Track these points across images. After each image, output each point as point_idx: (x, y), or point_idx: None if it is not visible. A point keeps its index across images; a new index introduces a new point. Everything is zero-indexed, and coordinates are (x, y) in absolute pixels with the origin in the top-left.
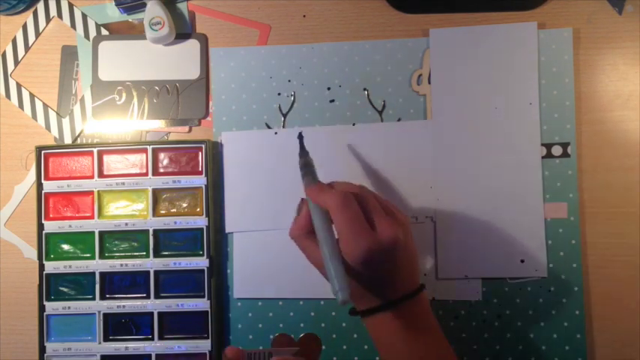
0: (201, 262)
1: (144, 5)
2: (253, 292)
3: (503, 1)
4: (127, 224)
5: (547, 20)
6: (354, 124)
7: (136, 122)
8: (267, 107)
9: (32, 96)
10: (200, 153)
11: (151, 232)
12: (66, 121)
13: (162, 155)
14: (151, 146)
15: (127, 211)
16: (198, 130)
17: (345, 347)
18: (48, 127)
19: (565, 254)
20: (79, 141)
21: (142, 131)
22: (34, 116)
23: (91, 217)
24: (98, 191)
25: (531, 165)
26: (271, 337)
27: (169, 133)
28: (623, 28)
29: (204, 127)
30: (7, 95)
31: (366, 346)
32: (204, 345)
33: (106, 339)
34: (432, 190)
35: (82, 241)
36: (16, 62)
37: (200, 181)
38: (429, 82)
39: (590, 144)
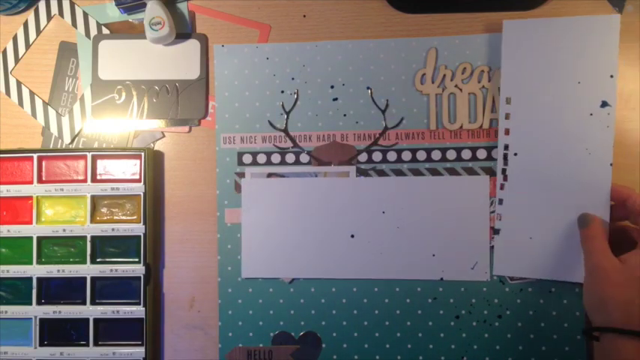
0: (137, 269)
1: (144, 5)
2: (260, 272)
3: (504, 0)
4: (64, 230)
5: None
6: (356, 122)
7: (136, 122)
8: (270, 105)
9: (32, 94)
10: (139, 160)
11: (88, 239)
12: (65, 120)
13: (101, 162)
14: (90, 153)
15: (65, 217)
16: (198, 130)
17: (345, 346)
18: (47, 125)
19: None
20: (77, 140)
21: (129, 133)
22: (34, 114)
23: (30, 223)
24: (37, 197)
25: (601, 170)
26: (272, 335)
27: (162, 135)
28: (623, 28)
29: (204, 127)
30: (8, 93)
31: (366, 345)
32: (138, 352)
33: (41, 344)
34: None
35: (19, 245)
36: (17, 60)
37: (139, 188)
38: (434, 81)
39: None
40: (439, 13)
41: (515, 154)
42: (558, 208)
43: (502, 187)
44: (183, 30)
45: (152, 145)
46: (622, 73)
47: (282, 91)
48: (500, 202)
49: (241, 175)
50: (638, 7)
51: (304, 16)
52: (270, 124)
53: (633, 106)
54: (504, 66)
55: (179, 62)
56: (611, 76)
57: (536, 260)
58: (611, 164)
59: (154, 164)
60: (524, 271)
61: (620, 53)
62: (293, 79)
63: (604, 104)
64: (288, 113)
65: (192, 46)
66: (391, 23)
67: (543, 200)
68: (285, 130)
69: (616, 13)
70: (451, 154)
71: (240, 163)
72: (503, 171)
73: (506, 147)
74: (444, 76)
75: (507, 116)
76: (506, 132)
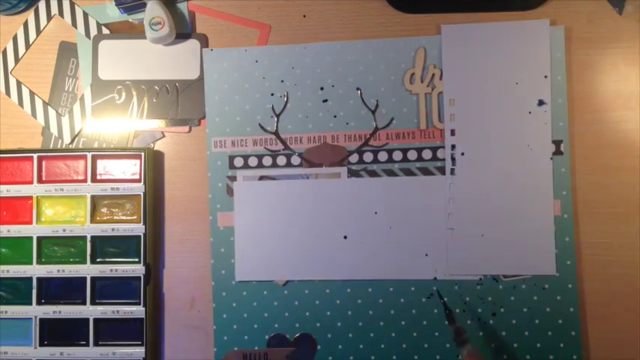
0: (137, 269)
1: (144, 5)
2: (253, 275)
3: (504, 1)
4: (64, 230)
5: None
6: (347, 123)
7: (136, 122)
8: (260, 108)
9: (32, 94)
10: (139, 160)
11: (88, 239)
12: (65, 120)
13: (101, 162)
14: (90, 153)
15: (65, 217)
16: (198, 130)
17: (340, 347)
18: (47, 125)
19: (559, 251)
20: (77, 140)
21: (129, 133)
22: (34, 114)
23: (30, 223)
24: (37, 197)
25: (542, 164)
26: (267, 337)
27: (162, 135)
28: (623, 28)
29: (204, 127)
30: (7, 93)
31: (361, 346)
32: (138, 352)
33: (41, 344)
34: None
35: (20, 246)
36: (17, 60)
37: (139, 188)
38: (423, 80)
39: (590, 144)
40: (439, 13)
41: (463, 154)
42: (505, 204)
43: (451, 186)
44: (183, 30)
45: (152, 145)
46: (622, 74)
47: (272, 94)
48: (451, 201)
49: (233, 178)
50: (638, 7)
51: (304, 16)
52: (261, 126)
53: (633, 106)
54: (446, 69)
55: (179, 62)
56: (545, 77)
57: (488, 257)
58: (551, 158)
59: (154, 164)
60: (477, 268)
61: (620, 53)
62: (282, 81)
63: (541, 103)
64: (278, 116)
65: (192, 46)
66: (391, 23)
67: (491, 197)
68: (276, 133)
69: (544, 19)
70: (441, 153)
71: (232, 166)
72: (452, 171)
73: (453, 147)
74: (433, 75)
75: (452, 117)
76: (452, 133)
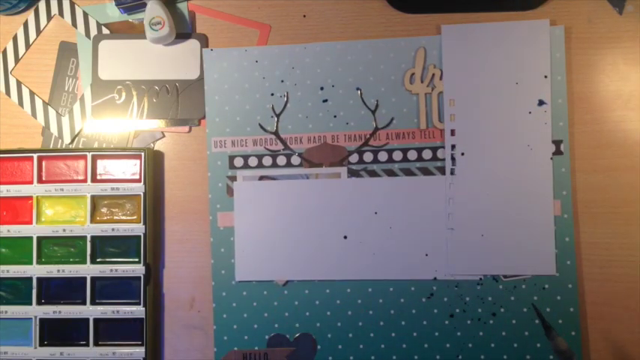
0: (137, 269)
1: (144, 5)
2: (253, 275)
3: (504, 1)
4: (64, 230)
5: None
6: (347, 123)
7: (136, 122)
8: (260, 108)
9: (32, 94)
10: (139, 160)
11: (88, 239)
12: (65, 120)
13: (101, 162)
14: (90, 153)
15: (65, 217)
16: (198, 130)
17: (340, 347)
18: (47, 125)
19: (559, 251)
20: (77, 140)
21: (129, 133)
22: (34, 114)
23: (30, 223)
24: (37, 197)
25: (542, 164)
26: (267, 337)
27: (162, 134)
28: (623, 28)
29: (204, 127)
30: (8, 93)
31: (361, 346)
32: (138, 352)
33: (41, 344)
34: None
35: (20, 245)
36: (17, 60)
37: (139, 188)
38: (423, 80)
39: (590, 144)
40: (439, 13)
41: (463, 154)
42: (505, 204)
43: (451, 186)
44: (183, 30)
45: (152, 145)
46: (622, 74)
47: (272, 94)
48: (451, 201)
49: (233, 178)
50: (638, 7)
51: (304, 16)
52: (261, 126)
53: (633, 106)
54: (446, 69)
55: (179, 62)
56: (545, 77)
57: (488, 257)
58: (551, 158)
59: (154, 164)
60: (477, 268)
61: (620, 53)
62: (282, 81)
63: (541, 103)
64: (278, 116)
65: (192, 46)
66: (391, 23)
67: (491, 197)
68: (276, 133)
69: (545, 21)
70: (441, 153)
71: (232, 166)
72: (452, 171)
73: (453, 147)
74: (433, 75)
75: (452, 117)
76: (452, 133)
